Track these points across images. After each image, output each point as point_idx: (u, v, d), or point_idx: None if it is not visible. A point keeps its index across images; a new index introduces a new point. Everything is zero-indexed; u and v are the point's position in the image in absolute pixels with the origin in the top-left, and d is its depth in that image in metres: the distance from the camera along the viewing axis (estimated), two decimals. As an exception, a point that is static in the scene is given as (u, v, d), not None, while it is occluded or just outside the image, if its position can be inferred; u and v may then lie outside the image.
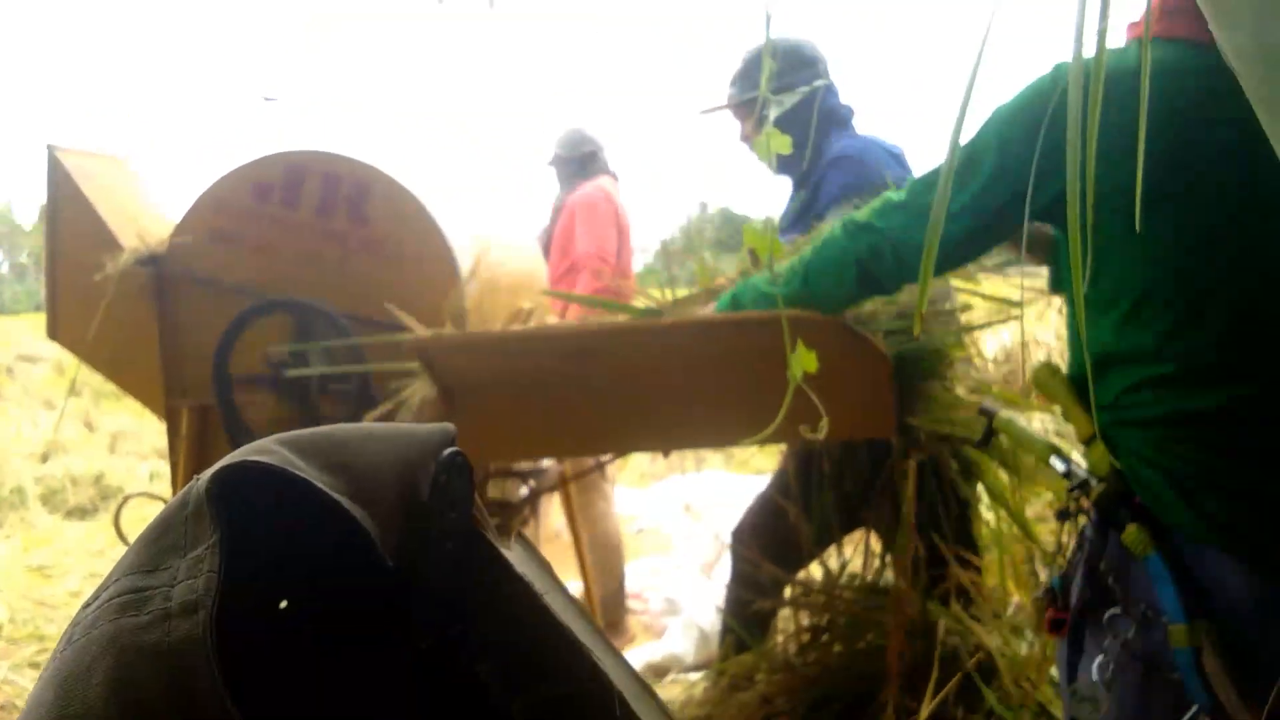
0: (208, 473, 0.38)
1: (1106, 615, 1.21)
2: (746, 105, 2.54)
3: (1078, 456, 1.35)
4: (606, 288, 3.37)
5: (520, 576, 0.44)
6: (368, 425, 0.44)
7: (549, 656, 0.44)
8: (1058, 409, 1.37)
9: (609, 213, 3.73)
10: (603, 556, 3.52)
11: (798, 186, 2.53)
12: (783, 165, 2.52)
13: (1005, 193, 1.24)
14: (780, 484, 2.43)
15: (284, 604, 0.46)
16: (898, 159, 2.46)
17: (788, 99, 2.43)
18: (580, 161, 3.90)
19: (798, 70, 2.48)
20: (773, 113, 2.37)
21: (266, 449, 0.39)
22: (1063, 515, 1.32)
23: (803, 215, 2.46)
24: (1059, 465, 1.31)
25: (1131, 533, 1.17)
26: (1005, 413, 1.42)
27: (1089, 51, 0.65)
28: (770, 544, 2.37)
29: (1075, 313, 1.27)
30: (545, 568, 0.52)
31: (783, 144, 1.04)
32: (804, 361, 0.96)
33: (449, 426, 0.46)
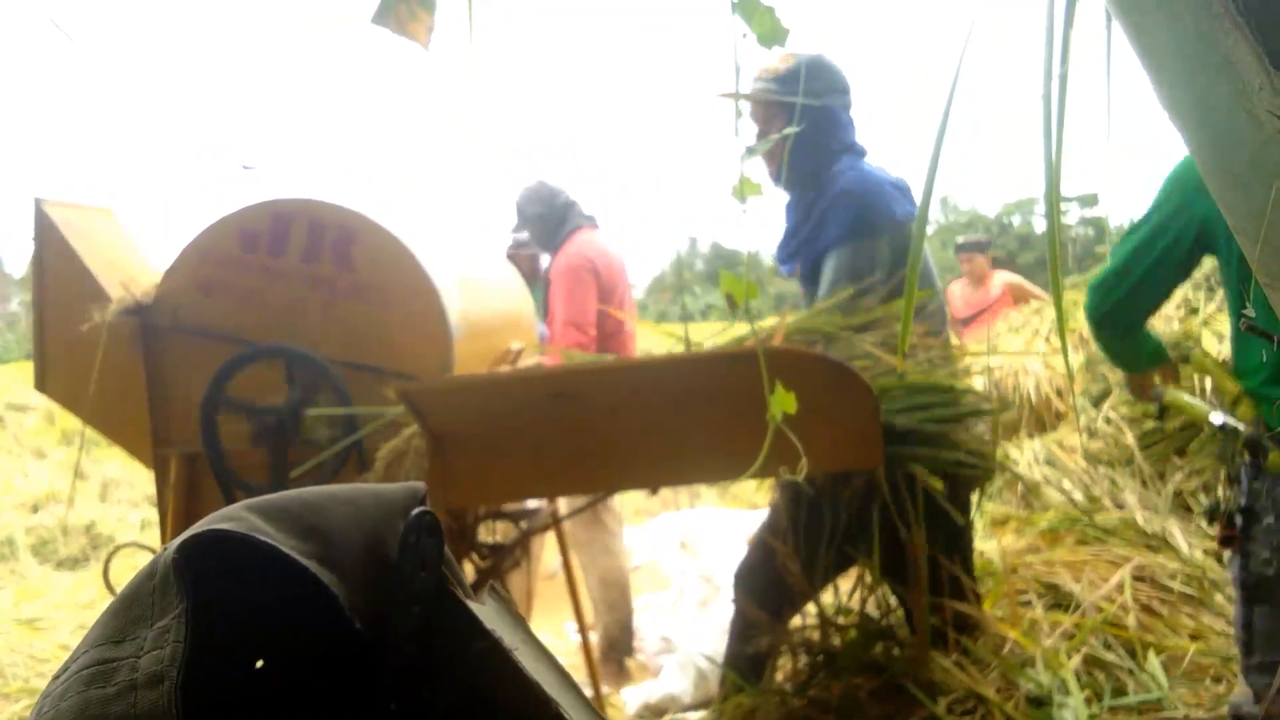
0: (174, 542, 0.38)
1: (1265, 524, 1.66)
2: (777, 106, 2.42)
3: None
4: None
5: (490, 633, 0.45)
6: (336, 487, 0.45)
7: (518, 714, 0.44)
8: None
9: (588, 278, 3.64)
10: (609, 594, 3.53)
11: (805, 209, 2.49)
12: (789, 179, 2.48)
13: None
14: (773, 524, 2.43)
15: (260, 663, 0.46)
16: (903, 192, 2.46)
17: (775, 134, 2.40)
18: (562, 215, 3.75)
19: (832, 93, 2.45)
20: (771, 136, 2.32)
21: (234, 516, 0.40)
22: (1223, 457, 1.78)
23: (805, 249, 2.46)
24: (1217, 420, 1.72)
25: (1273, 458, 1.60)
26: (1170, 390, 1.90)
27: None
28: (768, 585, 2.37)
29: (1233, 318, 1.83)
30: (518, 621, 0.52)
31: (755, 190, 1.05)
32: (783, 402, 0.97)
33: (418, 486, 0.47)
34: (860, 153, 2.50)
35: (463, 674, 0.45)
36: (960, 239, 6.28)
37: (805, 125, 2.35)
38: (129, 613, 0.38)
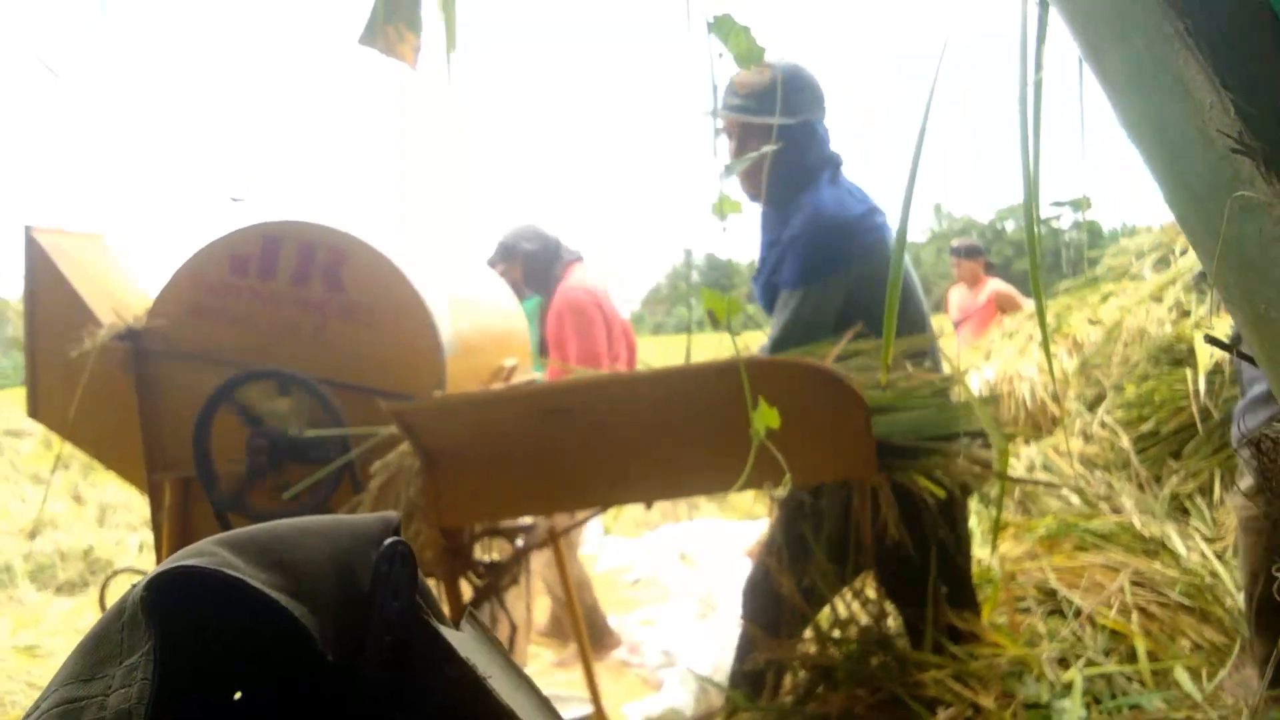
0: (143, 580, 0.38)
1: None
2: (750, 126, 2.35)
3: None
4: None
5: (464, 660, 0.45)
6: (308, 519, 0.45)
7: None
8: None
9: (595, 314, 3.86)
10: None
11: (773, 236, 2.42)
12: (769, 195, 2.40)
13: None
14: (771, 541, 2.43)
15: (238, 695, 0.46)
16: (872, 212, 2.37)
17: (752, 149, 2.34)
18: (554, 251, 3.98)
19: (812, 106, 2.37)
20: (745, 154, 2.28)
21: (204, 551, 0.40)
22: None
23: (766, 282, 2.41)
24: None
25: None
26: None
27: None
28: (769, 601, 2.37)
29: None
30: (496, 646, 0.52)
31: (734, 208, 1.05)
32: (766, 418, 0.97)
33: (391, 515, 0.47)
34: (837, 163, 2.42)
35: (436, 702, 0.45)
36: (954, 243, 6.34)
37: (784, 143, 2.27)
38: (98, 651, 0.38)
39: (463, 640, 0.47)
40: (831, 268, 2.29)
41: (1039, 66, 0.74)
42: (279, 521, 0.44)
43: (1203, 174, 0.39)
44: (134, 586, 0.39)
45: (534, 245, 3.99)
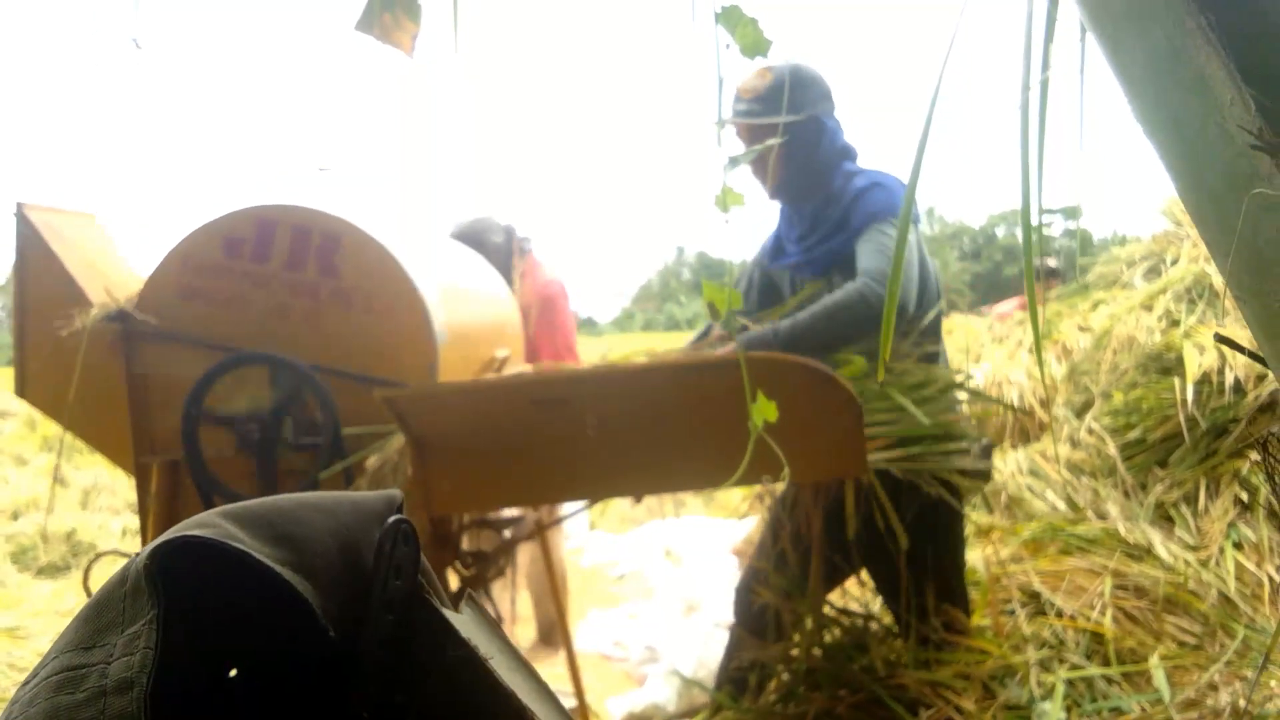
0: (146, 549, 0.38)
1: None
2: (760, 128, 2.38)
3: None
4: None
5: (465, 641, 0.45)
6: (312, 494, 0.45)
7: None
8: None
9: (566, 304, 3.96)
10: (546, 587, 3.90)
11: (813, 216, 2.44)
12: (787, 192, 2.45)
13: None
14: (761, 546, 2.44)
15: (233, 672, 0.46)
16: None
17: (765, 141, 2.34)
18: (512, 243, 3.98)
19: (818, 102, 2.40)
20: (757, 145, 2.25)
21: (208, 522, 0.40)
22: None
23: (823, 247, 2.40)
24: None
25: None
26: None
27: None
28: (758, 604, 2.37)
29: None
30: (495, 629, 0.52)
31: (737, 200, 1.05)
32: (764, 411, 0.97)
33: (394, 493, 0.47)
34: (853, 155, 2.46)
35: (437, 681, 0.44)
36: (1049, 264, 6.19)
37: (794, 138, 2.34)
38: (99, 619, 0.38)
39: (463, 622, 0.47)
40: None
41: (1045, 65, 0.74)
42: (282, 496, 0.43)
43: (1220, 170, 0.39)
44: (137, 555, 0.38)
45: (500, 238, 3.93)
